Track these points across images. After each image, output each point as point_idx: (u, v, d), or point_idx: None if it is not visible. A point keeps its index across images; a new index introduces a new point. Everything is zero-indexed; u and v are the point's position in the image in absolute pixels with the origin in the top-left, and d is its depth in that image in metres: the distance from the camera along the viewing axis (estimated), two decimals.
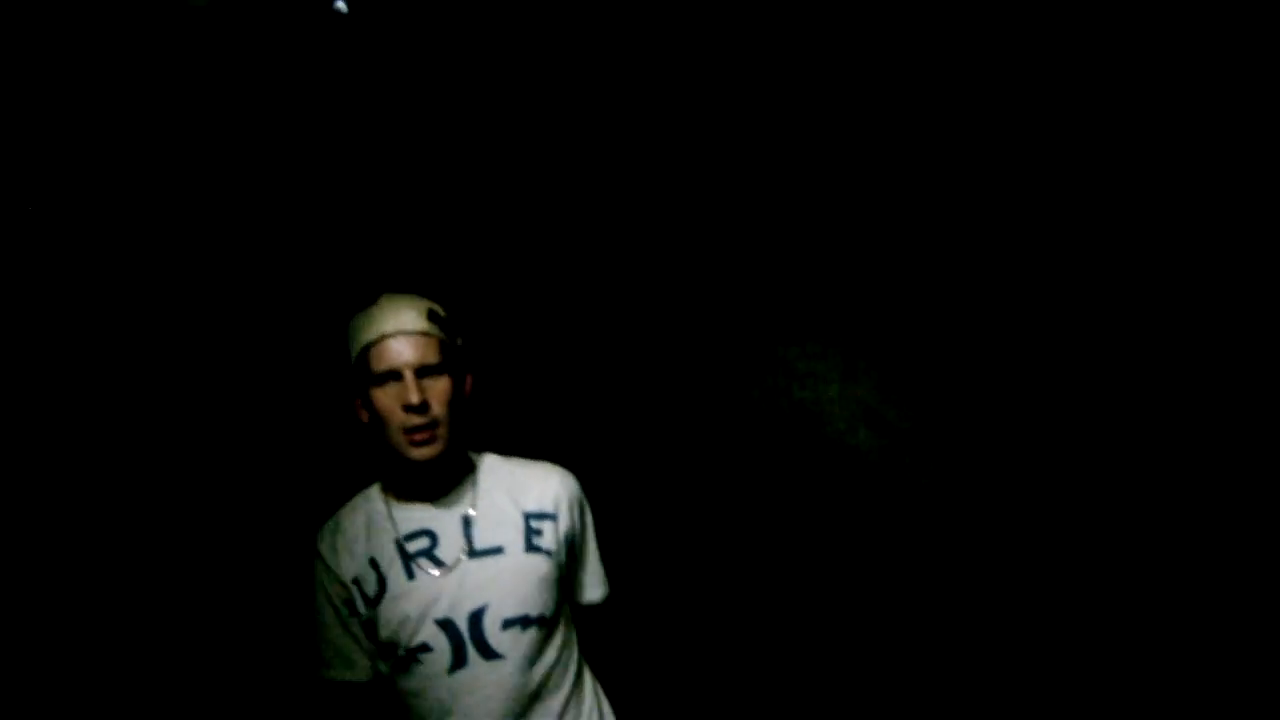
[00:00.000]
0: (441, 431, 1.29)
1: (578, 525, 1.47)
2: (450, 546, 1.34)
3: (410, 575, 1.32)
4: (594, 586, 1.55)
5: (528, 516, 1.39)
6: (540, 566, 1.37)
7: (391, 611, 1.32)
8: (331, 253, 2.31)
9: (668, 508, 2.39)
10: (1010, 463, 2.22)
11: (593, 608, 1.56)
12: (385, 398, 1.27)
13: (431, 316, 1.31)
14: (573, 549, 1.47)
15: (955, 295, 2.27)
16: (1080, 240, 2.21)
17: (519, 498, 1.40)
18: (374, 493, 1.40)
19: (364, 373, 1.28)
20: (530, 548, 1.37)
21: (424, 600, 1.31)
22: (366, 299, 1.34)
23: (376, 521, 1.36)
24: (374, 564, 1.34)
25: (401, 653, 1.32)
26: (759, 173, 2.35)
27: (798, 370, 2.33)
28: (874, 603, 2.29)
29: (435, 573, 1.32)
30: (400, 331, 1.27)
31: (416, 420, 1.26)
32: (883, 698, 2.25)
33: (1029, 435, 2.22)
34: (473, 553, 1.34)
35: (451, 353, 1.33)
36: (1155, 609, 2.13)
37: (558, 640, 1.42)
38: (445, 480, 1.37)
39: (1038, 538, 2.20)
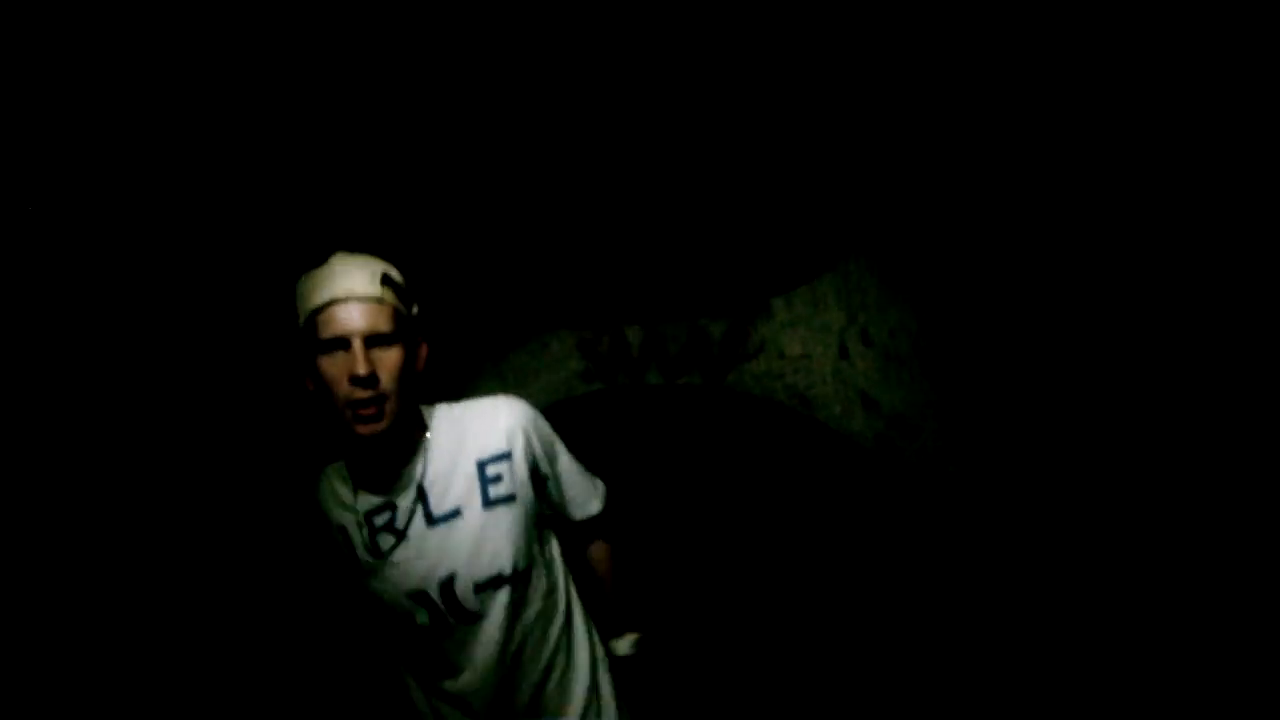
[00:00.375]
0: (389, 407, 1.22)
1: (538, 449, 1.39)
2: (409, 520, 1.30)
3: (375, 554, 1.30)
4: (585, 501, 1.47)
5: (481, 465, 1.33)
6: (502, 519, 1.32)
7: (364, 587, 1.31)
8: (284, 213, 2.26)
9: (660, 501, 2.34)
10: (1008, 447, 2.16)
11: (594, 519, 1.50)
12: (332, 366, 1.19)
13: (385, 281, 1.24)
14: (539, 474, 1.40)
15: (951, 277, 2.21)
16: (1082, 219, 2.15)
17: (469, 447, 1.34)
18: (339, 468, 1.37)
19: (311, 339, 1.21)
20: (488, 502, 1.32)
21: (392, 577, 1.29)
22: (317, 257, 1.27)
23: (342, 497, 1.34)
24: (343, 534, 1.33)
25: (386, 621, 1.32)
26: (744, 148, 2.31)
27: (791, 355, 2.27)
28: (871, 591, 2.23)
29: (398, 549, 1.29)
30: (351, 297, 1.19)
31: (362, 394, 1.19)
32: (884, 691, 2.19)
33: (1027, 419, 2.15)
34: (432, 521, 1.30)
35: (405, 322, 1.26)
36: (1158, 603, 2.05)
37: (540, 588, 1.38)
38: (396, 452, 1.31)
39: (1038, 525, 2.13)
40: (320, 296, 1.20)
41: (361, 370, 1.18)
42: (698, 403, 2.32)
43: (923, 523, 2.20)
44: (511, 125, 2.35)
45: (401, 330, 1.24)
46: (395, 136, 2.34)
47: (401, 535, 1.30)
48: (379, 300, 1.21)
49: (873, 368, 2.23)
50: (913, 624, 2.20)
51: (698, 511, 2.34)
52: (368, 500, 1.32)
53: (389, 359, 1.21)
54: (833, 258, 2.25)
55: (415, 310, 1.32)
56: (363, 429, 1.21)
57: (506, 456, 1.34)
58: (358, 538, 1.31)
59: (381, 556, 1.29)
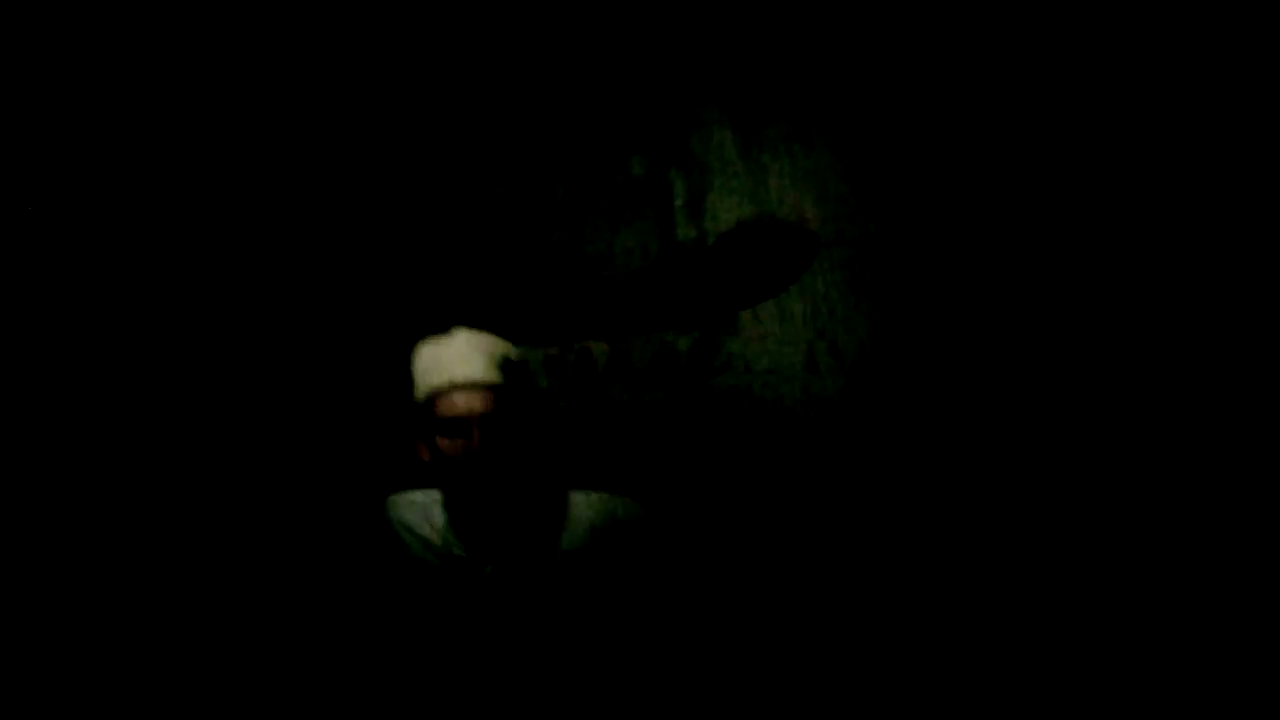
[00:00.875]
0: (501, 480, 1.28)
1: (621, 553, 1.43)
2: (487, 585, 1.35)
3: (446, 597, 1.35)
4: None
5: (565, 555, 1.38)
6: (575, 607, 1.36)
7: (426, 619, 1.36)
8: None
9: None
10: (980, 458, 2.13)
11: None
12: (450, 445, 1.27)
13: (503, 365, 1.30)
14: (617, 574, 1.42)
15: (920, 285, 2.19)
16: (1048, 227, 2.15)
17: (557, 534, 1.39)
18: (435, 503, 1.41)
19: (430, 415, 1.29)
20: (563, 589, 1.36)
21: (456, 625, 1.35)
22: (437, 324, 1.42)
23: (423, 533, 1.38)
24: (418, 567, 1.38)
25: (441, 647, 1.37)
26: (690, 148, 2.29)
27: (758, 369, 2.24)
28: (849, 601, 2.18)
29: (468, 605, 1.35)
30: (471, 382, 1.26)
31: (479, 471, 1.26)
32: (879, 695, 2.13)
33: (999, 428, 2.13)
34: (507, 593, 1.35)
35: (520, 403, 1.32)
36: (1140, 611, 2.02)
37: (597, 639, 1.41)
38: (496, 519, 1.35)
39: (1011, 537, 2.10)
40: (441, 378, 1.28)
41: (479, 452, 1.26)
42: (664, 419, 2.28)
43: (893, 536, 2.16)
44: (471, 141, 2.33)
45: (517, 411, 1.31)
46: (372, 145, 2.32)
47: (474, 595, 1.36)
48: (498, 385, 1.28)
49: (842, 380, 2.20)
50: (876, 633, 2.15)
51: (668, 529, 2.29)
52: (452, 548, 1.37)
53: (504, 439, 1.28)
54: (798, 270, 2.23)
55: (529, 387, 1.39)
56: (477, 496, 1.29)
57: (587, 553, 1.39)
58: (431, 576, 1.37)
59: (450, 604, 1.35)
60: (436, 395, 1.28)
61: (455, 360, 1.28)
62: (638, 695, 1.49)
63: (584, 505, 1.41)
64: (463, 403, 1.26)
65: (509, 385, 1.30)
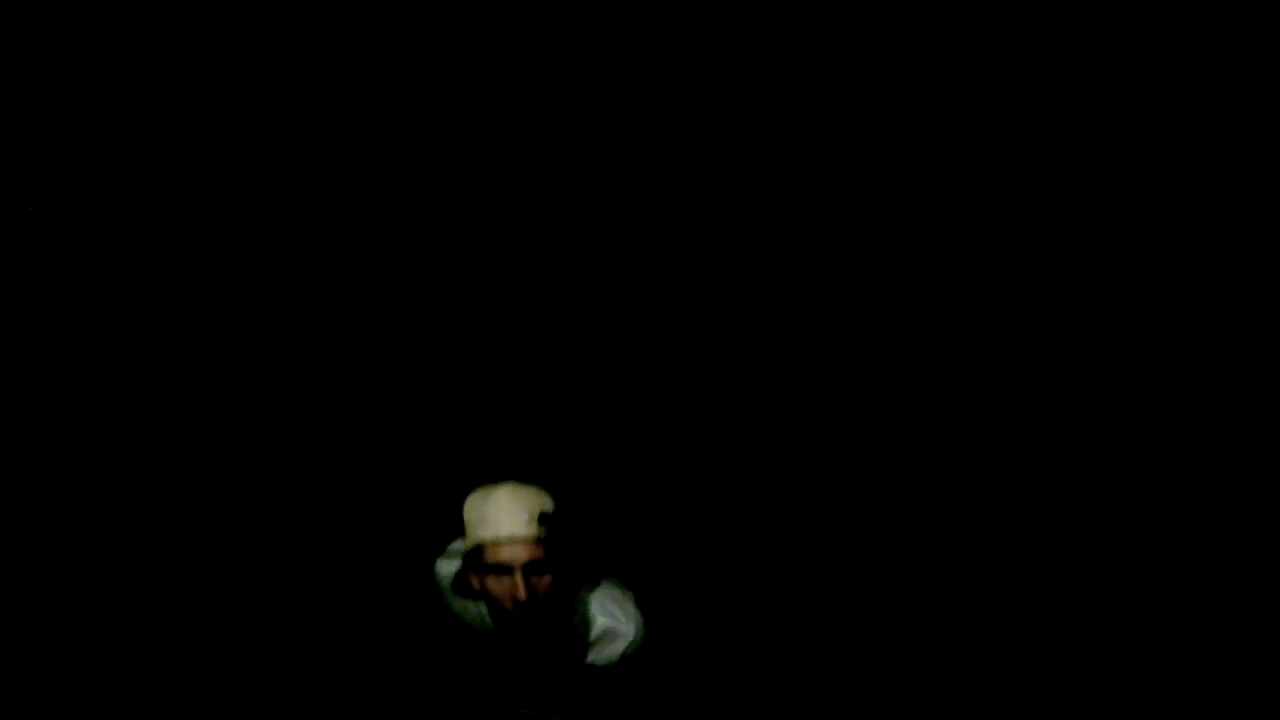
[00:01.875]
0: (541, 608, 1.48)
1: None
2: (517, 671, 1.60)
3: (484, 682, 1.61)
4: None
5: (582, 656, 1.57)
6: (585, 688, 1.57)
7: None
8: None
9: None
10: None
11: None
12: (497, 585, 1.47)
13: (544, 520, 1.47)
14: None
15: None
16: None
17: (582, 642, 1.57)
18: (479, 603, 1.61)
19: (478, 560, 1.48)
20: (579, 695, 1.57)
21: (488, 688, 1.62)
22: (488, 476, 1.55)
23: (471, 615, 1.62)
24: (464, 633, 1.64)
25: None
26: None
27: None
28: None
29: (500, 681, 1.61)
30: (514, 538, 1.45)
31: (521, 606, 1.46)
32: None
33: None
34: (536, 690, 1.59)
35: (559, 547, 1.50)
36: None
37: None
38: (535, 640, 1.55)
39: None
40: (488, 532, 1.46)
41: (523, 595, 1.44)
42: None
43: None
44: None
45: (555, 555, 1.49)
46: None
47: (505, 677, 1.60)
48: (538, 538, 1.46)
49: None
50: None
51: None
52: (490, 638, 1.60)
53: (545, 581, 1.47)
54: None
55: (566, 536, 1.54)
56: (515, 625, 1.51)
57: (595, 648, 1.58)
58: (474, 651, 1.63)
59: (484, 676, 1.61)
60: (484, 546, 1.47)
61: (500, 517, 1.47)
62: None
63: (598, 608, 1.59)
64: (507, 554, 1.45)
65: (550, 536, 1.48)
